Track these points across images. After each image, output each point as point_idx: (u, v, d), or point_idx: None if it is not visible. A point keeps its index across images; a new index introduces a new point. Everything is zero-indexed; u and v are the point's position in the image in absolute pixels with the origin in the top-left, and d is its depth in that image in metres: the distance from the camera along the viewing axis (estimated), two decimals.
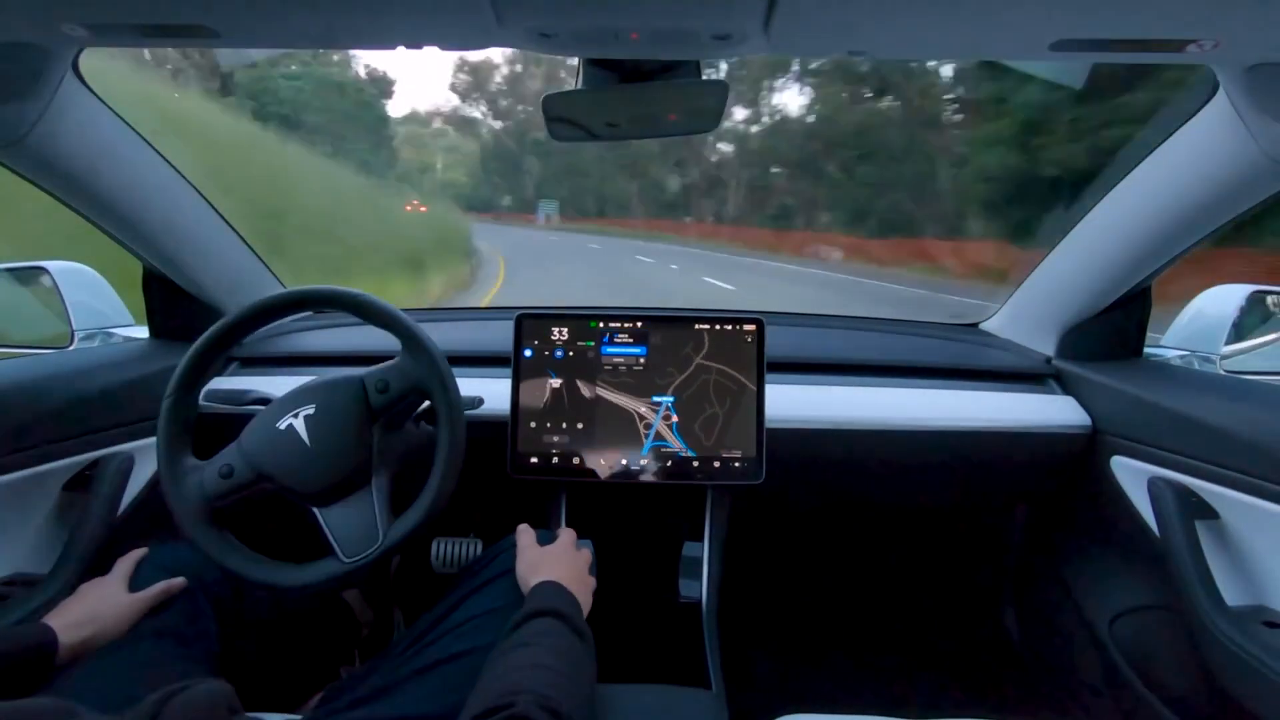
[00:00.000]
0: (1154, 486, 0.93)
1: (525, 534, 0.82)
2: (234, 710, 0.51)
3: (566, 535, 0.84)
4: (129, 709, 0.48)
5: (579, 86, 0.72)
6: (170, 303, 1.13)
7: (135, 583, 0.76)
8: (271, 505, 0.81)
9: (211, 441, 0.84)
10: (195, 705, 0.48)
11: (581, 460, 1.00)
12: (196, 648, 0.74)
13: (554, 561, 0.77)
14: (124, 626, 0.72)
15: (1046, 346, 1.19)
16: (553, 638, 0.63)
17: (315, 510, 0.80)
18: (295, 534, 0.85)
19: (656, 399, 1.01)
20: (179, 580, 0.77)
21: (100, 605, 0.72)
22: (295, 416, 0.81)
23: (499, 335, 1.06)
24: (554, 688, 0.54)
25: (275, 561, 0.80)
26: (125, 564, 0.78)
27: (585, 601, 0.74)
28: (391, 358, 1.02)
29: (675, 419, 1.00)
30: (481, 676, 0.58)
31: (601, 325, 1.02)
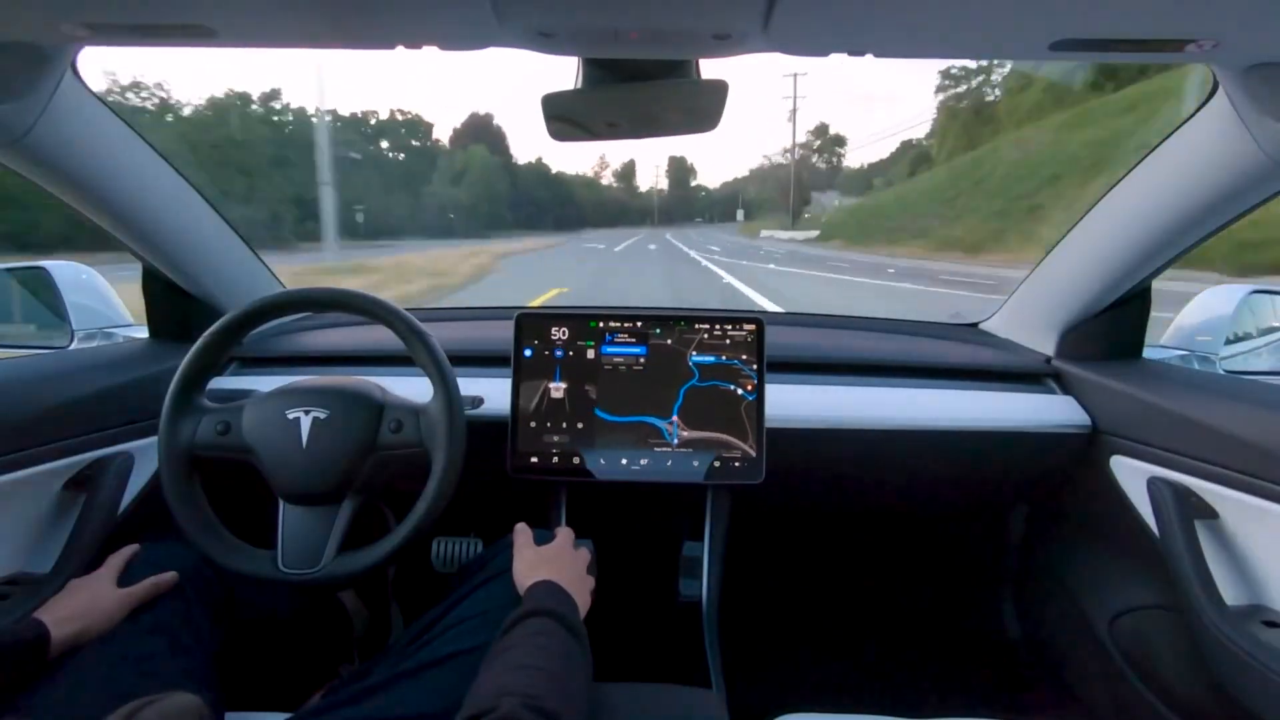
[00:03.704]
0: (1154, 486, 0.93)
1: (522, 534, 0.82)
2: None
3: (564, 535, 0.84)
4: None
5: (579, 86, 0.72)
6: (170, 303, 1.13)
7: (126, 579, 0.76)
8: (249, 477, 0.82)
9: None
10: (162, 717, 0.48)
11: (581, 460, 1.00)
12: (188, 645, 0.74)
13: (550, 561, 0.77)
14: (113, 622, 0.72)
15: (1046, 346, 1.19)
16: (545, 637, 0.62)
17: (281, 504, 0.81)
18: (259, 515, 0.85)
19: (656, 398, 1.01)
20: (169, 576, 0.77)
21: (89, 601, 0.72)
22: (305, 414, 0.81)
23: (499, 335, 1.06)
24: (543, 687, 0.54)
25: (220, 533, 0.81)
26: (116, 560, 0.78)
27: (583, 601, 0.74)
28: (392, 359, 1.02)
29: (675, 418, 1.01)
30: (476, 679, 0.58)
31: (601, 325, 1.02)
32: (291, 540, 0.80)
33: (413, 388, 0.92)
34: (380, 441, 0.82)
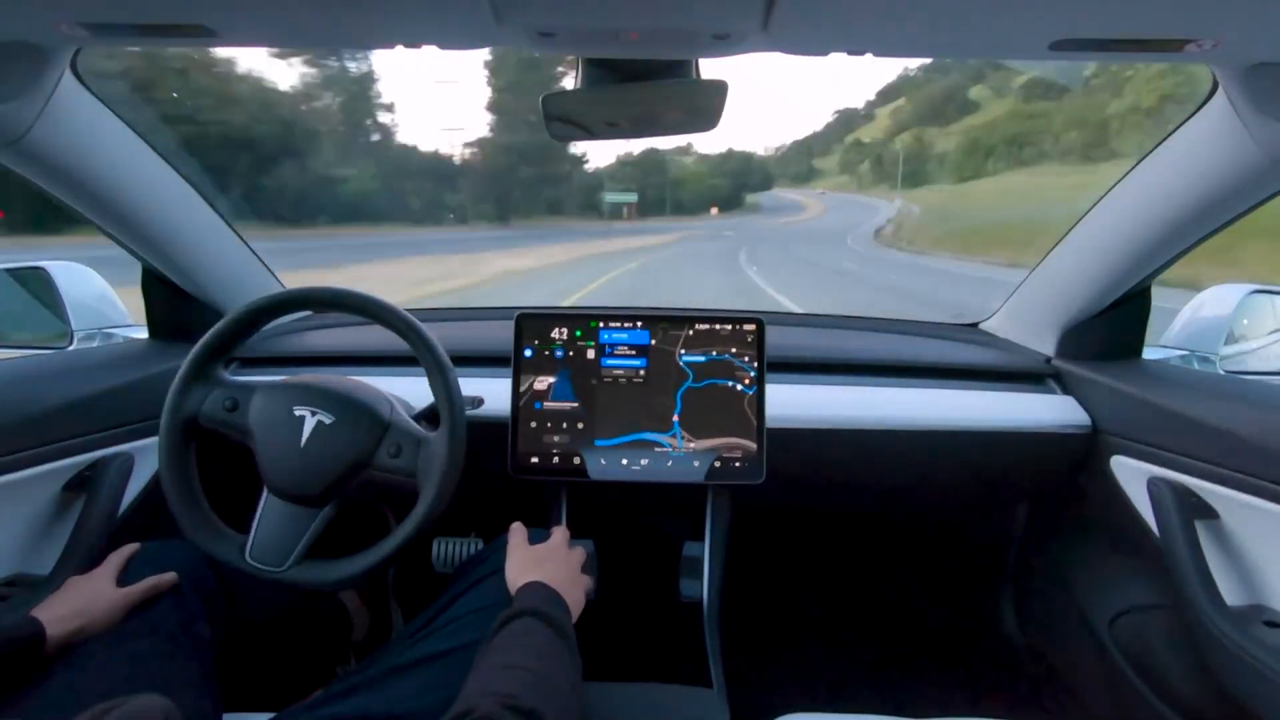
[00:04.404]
0: (1154, 486, 0.93)
1: (517, 534, 0.82)
2: None
3: (558, 535, 0.83)
4: None
5: (578, 86, 0.72)
6: (170, 303, 1.13)
7: (125, 579, 0.76)
8: (243, 458, 0.82)
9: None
10: None
11: (581, 460, 1.00)
12: (186, 645, 0.74)
13: (543, 561, 0.77)
14: (112, 621, 0.72)
15: (1046, 346, 1.19)
16: (530, 637, 0.63)
17: (264, 494, 0.81)
18: (243, 498, 0.85)
19: (656, 399, 1.01)
20: (169, 576, 0.77)
21: (88, 599, 0.72)
22: (312, 414, 0.81)
23: (499, 335, 1.06)
24: (525, 686, 0.54)
25: (200, 508, 0.81)
26: (115, 559, 0.78)
27: (575, 601, 0.74)
28: (393, 359, 1.01)
29: (675, 418, 1.00)
30: (466, 680, 0.58)
31: (601, 325, 1.02)
32: (264, 533, 0.80)
33: (414, 388, 0.92)
34: (375, 461, 0.81)
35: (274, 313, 0.86)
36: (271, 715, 0.71)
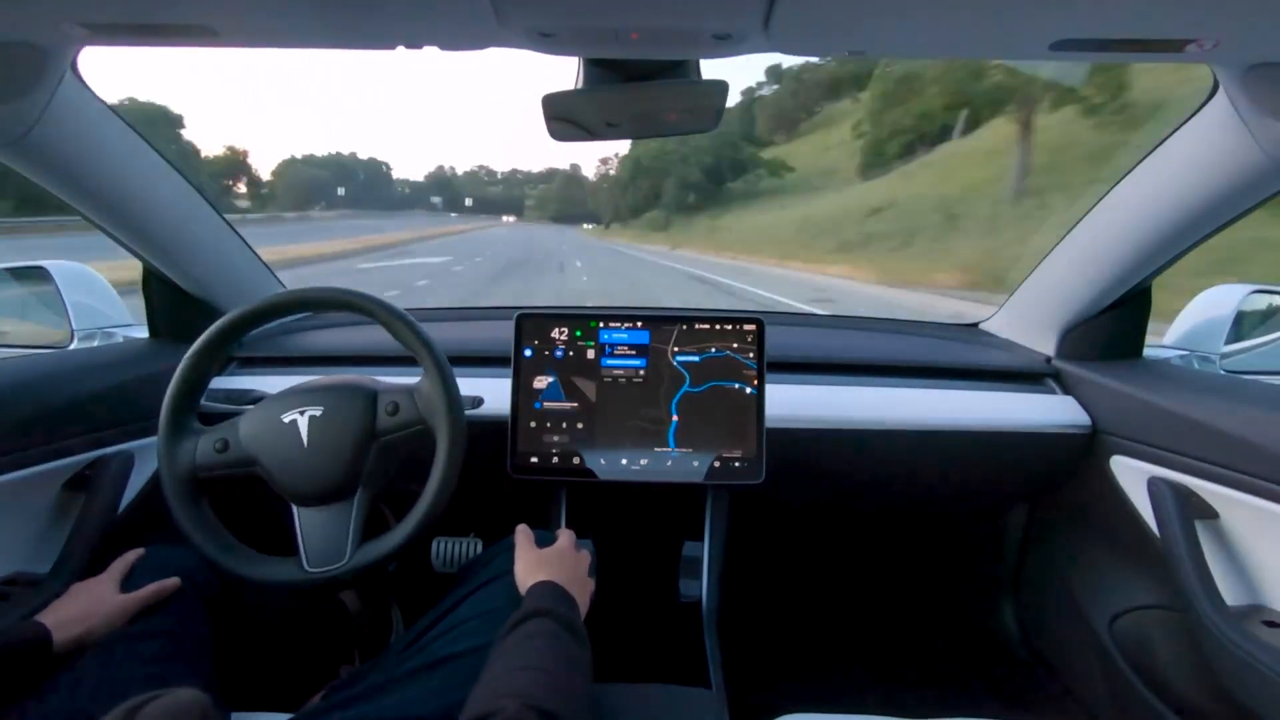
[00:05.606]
0: (1154, 486, 0.93)
1: (524, 535, 0.82)
2: (208, 718, 0.51)
3: (565, 537, 0.84)
4: None
5: (579, 86, 0.72)
6: (170, 303, 1.13)
7: (129, 584, 0.76)
8: (256, 490, 0.81)
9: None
10: (165, 714, 0.48)
11: (581, 460, 1.00)
12: (190, 649, 0.74)
13: (552, 563, 0.77)
14: (116, 627, 0.72)
15: (1046, 346, 1.19)
16: (546, 639, 0.62)
17: (293, 508, 0.81)
18: (273, 525, 0.85)
19: (656, 399, 1.01)
20: (172, 581, 0.77)
21: (92, 605, 0.72)
22: (300, 414, 0.81)
23: (499, 335, 1.06)
24: (545, 689, 0.54)
25: (240, 548, 0.81)
26: (119, 565, 0.78)
27: (583, 602, 0.74)
28: (393, 359, 1.02)
29: (675, 419, 1.00)
30: (478, 680, 0.58)
31: (601, 325, 1.02)
32: (312, 541, 0.80)
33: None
34: (380, 427, 0.81)
35: (240, 332, 0.84)
36: (275, 716, 0.71)
